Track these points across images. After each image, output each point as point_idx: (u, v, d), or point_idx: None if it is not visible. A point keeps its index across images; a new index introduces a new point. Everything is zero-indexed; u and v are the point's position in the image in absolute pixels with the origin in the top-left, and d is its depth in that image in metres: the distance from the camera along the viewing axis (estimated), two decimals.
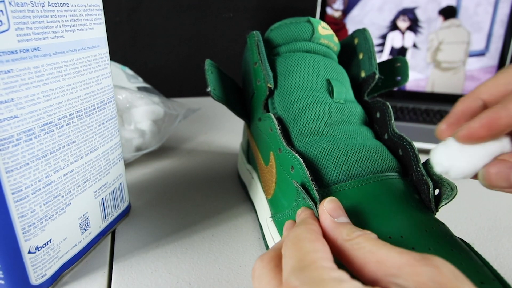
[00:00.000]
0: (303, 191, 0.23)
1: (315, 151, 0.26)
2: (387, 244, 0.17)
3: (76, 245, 0.28)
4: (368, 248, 0.17)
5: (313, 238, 0.19)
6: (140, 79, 0.53)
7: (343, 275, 0.16)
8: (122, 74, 0.50)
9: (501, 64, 0.69)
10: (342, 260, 0.18)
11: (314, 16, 0.72)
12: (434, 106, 0.70)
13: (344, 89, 0.31)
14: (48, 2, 0.23)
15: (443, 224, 0.22)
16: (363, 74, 0.34)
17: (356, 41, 0.35)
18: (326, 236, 0.20)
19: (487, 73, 0.70)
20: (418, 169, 0.25)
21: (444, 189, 0.24)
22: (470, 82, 0.71)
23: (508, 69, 0.19)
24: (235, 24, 0.83)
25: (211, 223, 0.34)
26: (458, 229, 0.35)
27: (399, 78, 0.34)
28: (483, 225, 0.35)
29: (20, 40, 0.21)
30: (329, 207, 0.21)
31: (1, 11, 0.20)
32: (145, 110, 0.45)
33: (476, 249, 0.32)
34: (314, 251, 0.17)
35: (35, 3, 0.22)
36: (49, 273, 0.26)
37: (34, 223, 0.24)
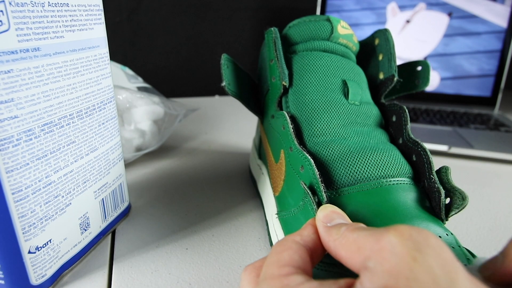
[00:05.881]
0: (309, 193, 0.23)
1: (326, 152, 0.26)
2: (367, 229, 0.17)
3: (76, 245, 0.28)
4: (351, 239, 0.17)
5: (281, 249, 0.18)
6: (140, 79, 0.53)
7: (297, 278, 0.16)
8: (122, 74, 0.50)
9: (501, 64, 0.69)
10: (339, 260, 0.18)
11: None
12: (434, 106, 0.70)
13: (360, 90, 0.30)
14: (48, 2, 0.23)
15: (451, 233, 0.22)
16: (381, 76, 0.33)
17: (376, 41, 0.34)
18: (323, 243, 0.19)
19: None
20: (431, 176, 0.24)
21: (455, 198, 0.23)
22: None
23: None
24: (235, 24, 0.83)
25: (211, 223, 0.34)
26: (458, 229, 0.35)
27: (418, 81, 0.33)
28: (483, 225, 0.35)
29: (20, 40, 0.21)
30: (321, 215, 0.20)
31: (1, 11, 0.20)
32: (145, 110, 0.45)
33: (476, 249, 0.32)
34: (277, 261, 0.17)
35: (35, 3, 0.22)
36: (49, 273, 0.26)
37: (34, 223, 0.24)
